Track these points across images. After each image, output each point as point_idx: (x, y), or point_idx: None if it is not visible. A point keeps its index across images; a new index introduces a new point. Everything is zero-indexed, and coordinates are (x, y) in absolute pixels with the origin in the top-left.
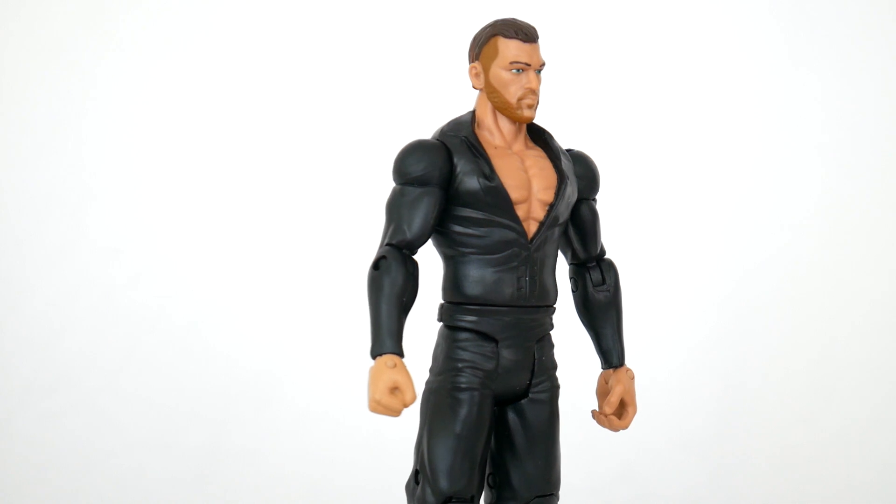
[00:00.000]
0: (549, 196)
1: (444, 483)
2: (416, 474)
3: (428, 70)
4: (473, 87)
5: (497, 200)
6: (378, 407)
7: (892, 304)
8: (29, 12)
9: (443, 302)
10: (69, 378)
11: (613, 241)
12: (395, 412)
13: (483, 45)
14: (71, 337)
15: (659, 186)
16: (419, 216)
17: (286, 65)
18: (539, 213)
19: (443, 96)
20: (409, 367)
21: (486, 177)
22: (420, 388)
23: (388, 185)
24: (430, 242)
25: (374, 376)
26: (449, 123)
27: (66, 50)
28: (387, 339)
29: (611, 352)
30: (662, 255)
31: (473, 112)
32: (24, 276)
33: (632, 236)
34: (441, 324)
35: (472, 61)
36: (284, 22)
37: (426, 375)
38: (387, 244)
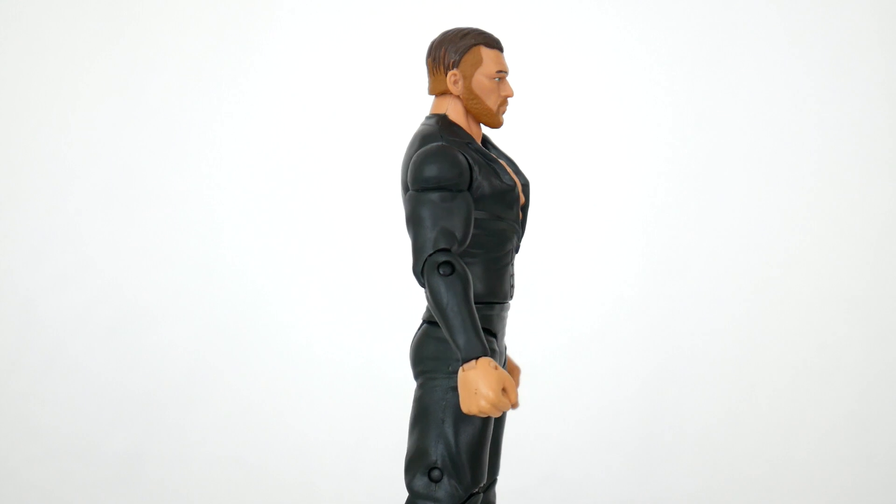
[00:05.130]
0: (522, 198)
1: (473, 477)
2: (429, 471)
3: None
4: (448, 93)
5: (511, 201)
6: (491, 409)
7: (819, 314)
8: None
9: None
10: None
11: (537, 238)
12: (500, 412)
13: (464, 53)
14: None
15: (591, 182)
16: (464, 220)
17: (250, 61)
18: (518, 213)
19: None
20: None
21: (502, 179)
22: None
23: (335, 184)
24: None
25: (482, 377)
26: (439, 128)
27: None
28: (479, 341)
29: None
30: (583, 253)
31: (446, 116)
32: None
33: (553, 233)
34: (437, 325)
35: (451, 69)
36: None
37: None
38: (440, 249)
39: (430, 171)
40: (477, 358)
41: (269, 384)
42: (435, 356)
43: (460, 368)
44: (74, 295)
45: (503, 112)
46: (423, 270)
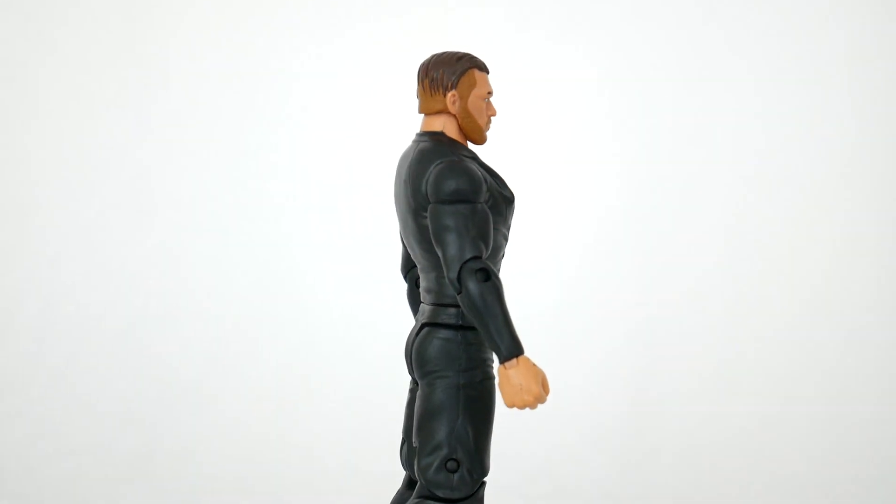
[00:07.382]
0: None
1: (486, 466)
2: (445, 462)
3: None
4: (442, 112)
5: (508, 213)
6: (535, 402)
7: (796, 304)
8: None
9: (453, 306)
10: (10, 384)
11: (524, 246)
12: (538, 405)
13: (461, 75)
14: (12, 343)
15: (562, 189)
16: (487, 229)
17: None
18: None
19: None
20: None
21: (505, 192)
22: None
23: (319, 193)
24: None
25: (525, 374)
26: (446, 144)
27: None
28: (517, 340)
29: None
30: (573, 257)
31: (444, 133)
32: None
33: (543, 238)
34: (441, 326)
35: (449, 89)
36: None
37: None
38: (473, 257)
39: (453, 184)
40: (517, 356)
41: (275, 385)
42: (444, 356)
43: (501, 367)
44: (90, 298)
45: (488, 129)
46: (460, 277)
